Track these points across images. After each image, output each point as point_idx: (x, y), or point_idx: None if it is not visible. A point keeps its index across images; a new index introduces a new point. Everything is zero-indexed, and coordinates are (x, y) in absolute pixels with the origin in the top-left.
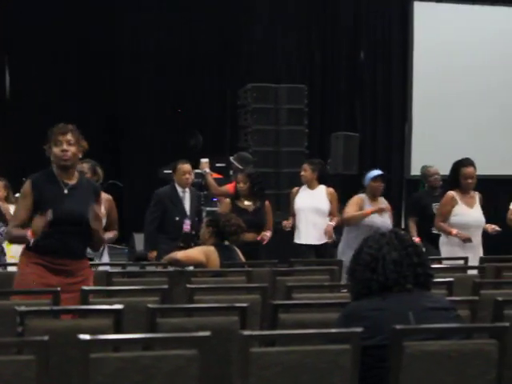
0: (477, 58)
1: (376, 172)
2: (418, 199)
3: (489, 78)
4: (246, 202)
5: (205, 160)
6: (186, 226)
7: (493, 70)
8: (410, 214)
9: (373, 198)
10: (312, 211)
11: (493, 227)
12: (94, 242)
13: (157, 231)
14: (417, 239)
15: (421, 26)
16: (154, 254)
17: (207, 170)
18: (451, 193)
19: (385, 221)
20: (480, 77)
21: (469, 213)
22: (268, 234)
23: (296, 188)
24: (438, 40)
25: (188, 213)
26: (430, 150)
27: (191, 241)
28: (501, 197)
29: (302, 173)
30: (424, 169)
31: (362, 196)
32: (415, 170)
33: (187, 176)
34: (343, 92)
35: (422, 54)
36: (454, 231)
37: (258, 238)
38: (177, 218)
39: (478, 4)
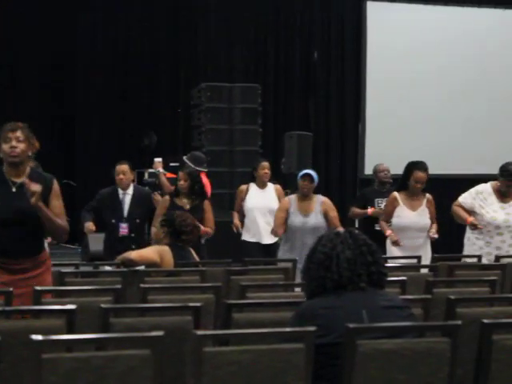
0: (430, 58)
1: (304, 171)
2: (365, 193)
3: (442, 78)
4: (184, 200)
5: (158, 159)
6: (123, 229)
7: (446, 70)
8: (354, 204)
9: (304, 197)
10: (264, 211)
11: (432, 235)
12: (50, 232)
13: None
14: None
15: (374, 25)
16: (90, 223)
17: (161, 169)
18: (394, 194)
19: (307, 221)
20: (433, 76)
21: (408, 215)
22: (209, 231)
23: (244, 186)
24: (391, 40)
25: (125, 216)
26: (383, 149)
27: (130, 243)
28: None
29: (266, 171)
30: (376, 166)
31: (291, 198)
32: (369, 170)
33: (121, 176)
34: (297, 91)
35: (375, 53)
36: (388, 232)
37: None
38: (113, 221)
39: (431, 4)
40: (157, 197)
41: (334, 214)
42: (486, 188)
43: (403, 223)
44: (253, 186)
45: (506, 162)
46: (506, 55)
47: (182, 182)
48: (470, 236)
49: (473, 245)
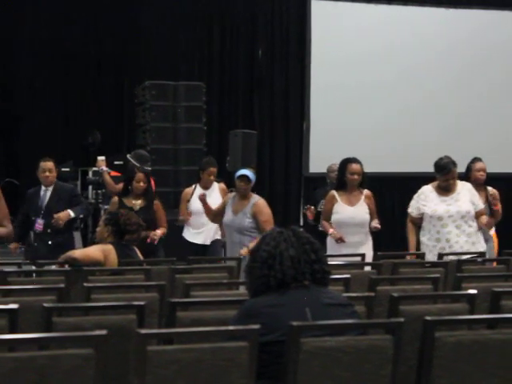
0: (374, 56)
1: (241, 171)
2: (316, 194)
3: (387, 76)
4: (134, 201)
5: (101, 158)
6: (38, 225)
7: (391, 67)
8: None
9: (241, 196)
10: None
11: (374, 225)
12: None
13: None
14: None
15: (318, 23)
16: (14, 245)
17: (104, 167)
18: (332, 192)
19: (234, 220)
20: (378, 75)
21: (346, 211)
22: (158, 232)
23: (188, 189)
24: (336, 38)
25: (43, 212)
26: (327, 147)
27: (47, 240)
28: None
29: (212, 177)
30: (328, 166)
31: (233, 195)
32: (313, 168)
33: (47, 174)
34: (241, 90)
35: (319, 52)
36: (330, 230)
37: (148, 240)
38: (32, 218)
39: (373, 3)
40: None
41: (263, 218)
42: (427, 188)
43: (341, 219)
44: (197, 188)
45: (439, 158)
46: (452, 55)
47: (141, 184)
48: (423, 239)
49: (427, 247)
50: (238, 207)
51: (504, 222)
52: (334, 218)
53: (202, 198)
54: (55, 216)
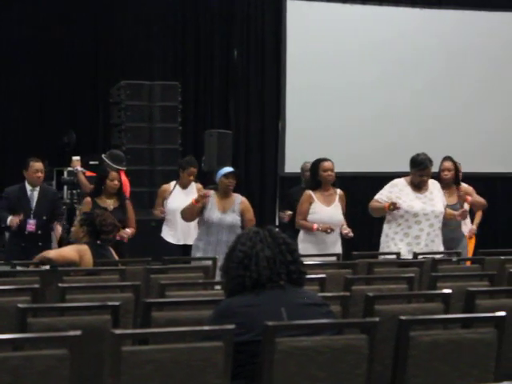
0: (350, 56)
1: (228, 169)
2: (291, 194)
3: (363, 76)
4: (108, 200)
5: (76, 158)
6: (30, 226)
7: (366, 67)
8: (284, 208)
9: (224, 195)
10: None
11: (346, 232)
12: None
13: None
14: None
15: (294, 24)
16: (13, 217)
17: (79, 167)
18: (308, 191)
19: (224, 218)
20: (353, 75)
21: (324, 211)
22: (129, 231)
23: (166, 186)
24: (311, 38)
25: (33, 212)
26: (303, 147)
27: (37, 241)
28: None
29: (192, 178)
30: (302, 165)
31: (210, 193)
32: (289, 168)
33: (39, 174)
34: (216, 90)
35: (295, 52)
36: (315, 226)
37: (118, 238)
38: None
39: (349, 3)
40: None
41: (250, 215)
42: (400, 181)
43: (322, 218)
44: (175, 186)
45: (416, 154)
46: (428, 55)
47: (115, 183)
48: (388, 232)
49: (392, 240)
50: (225, 205)
51: (481, 222)
52: (312, 217)
53: (206, 195)
54: None
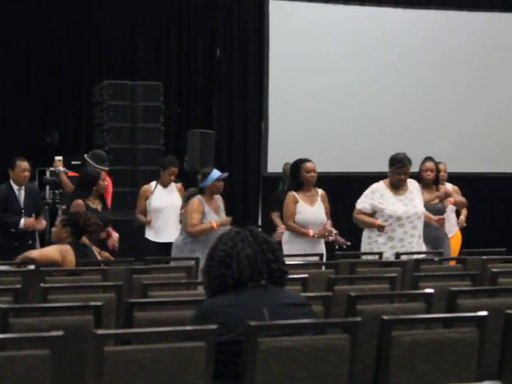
0: (333, 57)
1: (219, 173)
2: (278, 195)
3: (345, 76)
4: (96, 201)
5: (58, 158)
6: (22, 224)
7: (349, 68)
8: (273, 209)
9: (210, 196)
10: (171, 210)
11: (344, 242)
12: None
13: None
14: (281, 227)
15: (276, 23)
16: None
17: (61, 168)
18: (292, 192)
19: (220, 218)
20: (336, 75)
21: (309, 211)
22: (115, 236)
23: (147, 186)
24: (294, 38)
25: (23, 211)
26: (286, 147)
27: (27, 239)
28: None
29: (173, 177)
30: (286, 165)
31: (199, 199)
32: (272, 168)
33: (26, 173)
34: (199, 89)
35: (278, 52)
36: (311, 232)
37: (111, 248)
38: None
39: (331, 3)
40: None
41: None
42: (380, 185)
43: (307, 218)
44: (157, 186)
45: (396, 153)
46: (411, 55)
47: (106, 183)
48: (371, 234)
49: (375, 242)
50: (214, 206)
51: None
52: (298, 217)
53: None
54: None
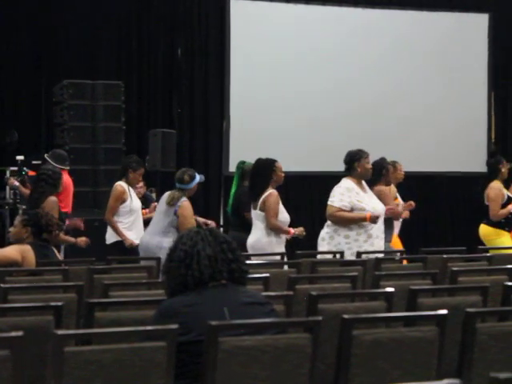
0: (294, 56)
1: (201, 177)
2: (243, 195)
3: (306, 76)
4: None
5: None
6: None
7: (311, 67)
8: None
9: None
10: (140, 211)
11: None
12: None
13: None
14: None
15: (238, 23)
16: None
17: (16, 183)
18: (274, 191)
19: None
20: (297, 75)
21: (284, 209)
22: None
23: (121, 187)
24: (255, 37)
25: None
26: (247, 147)
27: None
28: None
29: (140, 179)
30: (246, 165)
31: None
32: (234, 167)
33: None
34: (160, 89)
35: (239, 51)
36: (292, 231)
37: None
38: None
39: (292, 3)
40: None
41: None
42: (350, 183)
43: (286, 217)
44: (129, 187)
45: (349, 151)
46: (371, 55)
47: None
48: (349, 234)
49: (355, 241)
50: None
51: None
52: (280, 216)
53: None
54: None
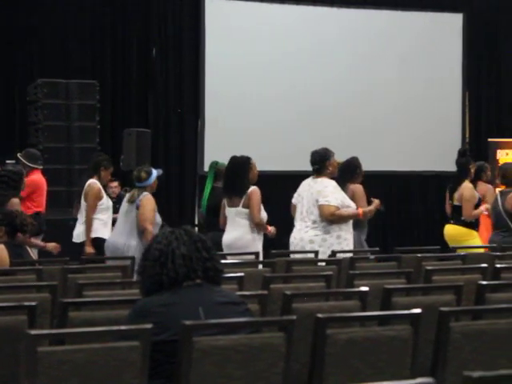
0: (269, 56)
1: (158, 170)
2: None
3: (280, 75)
4: None
5: None
6: None
7: (285, 67)
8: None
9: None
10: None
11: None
12: None
13: None
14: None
15: (212, 22)
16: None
17: None
18: (257, 188)
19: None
20: (272, 74)
21: (263, 207)
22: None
23: (96, 186)
24: (230, 36)
25: None
26: (222, 146)
27: None
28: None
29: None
30: (220, 165)
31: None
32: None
33: None
34: (135, 88)
35: (214, 50)
36: (269, 228)
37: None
38: None
39: (267, 2)
40: None
41: None
42: (333, 182)
43: (266, 215)
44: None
45: (313, 151)
46: (344, 55)
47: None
48: (340, 234)
49: (345, 240)
50: None
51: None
52: (263, 215)
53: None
54: None
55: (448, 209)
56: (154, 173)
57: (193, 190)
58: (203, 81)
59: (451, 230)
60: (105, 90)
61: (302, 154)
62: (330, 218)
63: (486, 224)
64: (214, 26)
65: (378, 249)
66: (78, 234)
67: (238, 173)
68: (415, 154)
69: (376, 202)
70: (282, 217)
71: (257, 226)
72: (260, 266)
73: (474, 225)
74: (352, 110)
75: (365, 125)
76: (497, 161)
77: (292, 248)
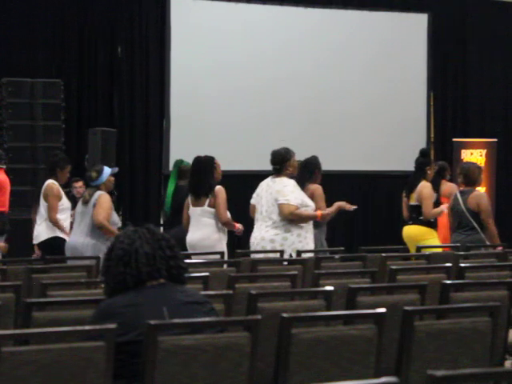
0: (235, 55)
1: (110, 168)
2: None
3: (247, 75)
4: None
5: None
6: None
7: (250, 67)
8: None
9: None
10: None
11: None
12: None
13: None
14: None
15: (178, 21)
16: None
17: None
18: (222, 187)
19: None
20: (238, 75)
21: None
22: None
23: (54, 185)
24: (196, 35)
25: None
26: (187, 146)
27: None
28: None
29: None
30: (184, 165)
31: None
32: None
33: None
34: (100, 87)
35: (180, 50)
36: (237, 226)
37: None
38: None
39: (233, 2)
40: None
41: None
42: (293, 181)
43: (229, 214)
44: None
45: (274, 151)
46: (313, 54)
47: None
48: (285, 235)
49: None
50: None
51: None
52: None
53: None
54: None
55: (405, 211)
56: (106, 170)
57: (158, 190)
58: (168, 80)
59: (411, 230)
60: (70, 89)
61: (266, 154)
62: (290, 217)
63: (443, 223)
64: (180, 25)
65: (343, 248)
66: (38, 234)
67: (203, 172)
68: (381, 153)
69: (338, 204)
70: (246, 216)
71: (224, 224)
72: (225, 266)
73: (433, 224)
74: (317, 110)
75: (330, 124)
76: (461, 160)
77: (252, 248)
